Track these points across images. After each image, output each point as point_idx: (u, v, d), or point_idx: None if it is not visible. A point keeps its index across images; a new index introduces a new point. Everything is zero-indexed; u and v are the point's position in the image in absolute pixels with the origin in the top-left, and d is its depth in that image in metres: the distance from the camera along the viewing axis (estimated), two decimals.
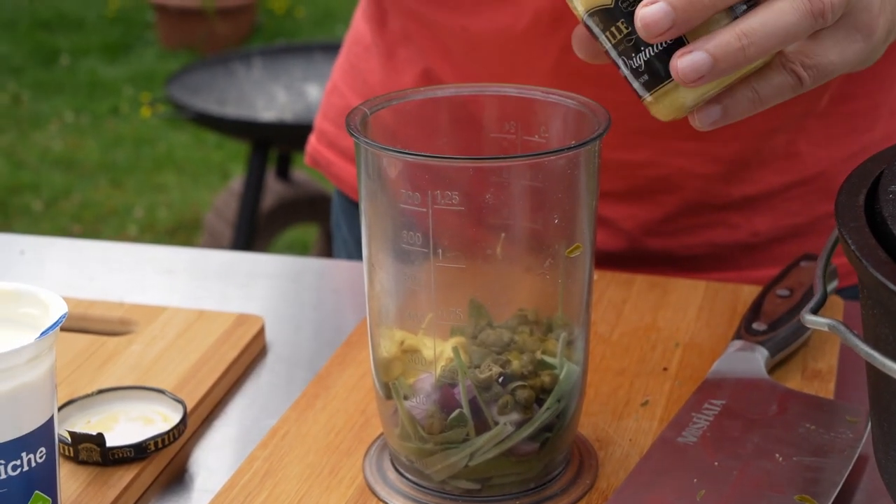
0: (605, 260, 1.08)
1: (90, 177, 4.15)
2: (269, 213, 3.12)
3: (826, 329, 0.66)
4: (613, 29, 0.73)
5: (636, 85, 0.75)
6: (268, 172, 3.07)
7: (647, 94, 0.75)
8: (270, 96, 3.12)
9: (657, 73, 0.74)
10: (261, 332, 0.97)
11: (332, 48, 3.31)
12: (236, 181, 3.28)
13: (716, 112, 0.74)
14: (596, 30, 0.75)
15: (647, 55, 0.73)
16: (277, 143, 3.03)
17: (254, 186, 2.96)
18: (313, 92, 3.15)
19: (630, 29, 0.73)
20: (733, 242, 1.07)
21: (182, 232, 3.81)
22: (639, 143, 1.02)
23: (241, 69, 3.21)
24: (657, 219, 1.06)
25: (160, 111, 3.57)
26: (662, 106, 0.75)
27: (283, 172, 3.23)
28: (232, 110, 3.00)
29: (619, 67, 0.75)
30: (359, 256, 1.20)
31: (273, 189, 3.16)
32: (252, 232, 2.98)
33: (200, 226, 3.61)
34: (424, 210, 0.73)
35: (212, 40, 5.06)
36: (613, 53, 0.75)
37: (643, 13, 0.70)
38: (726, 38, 0.71)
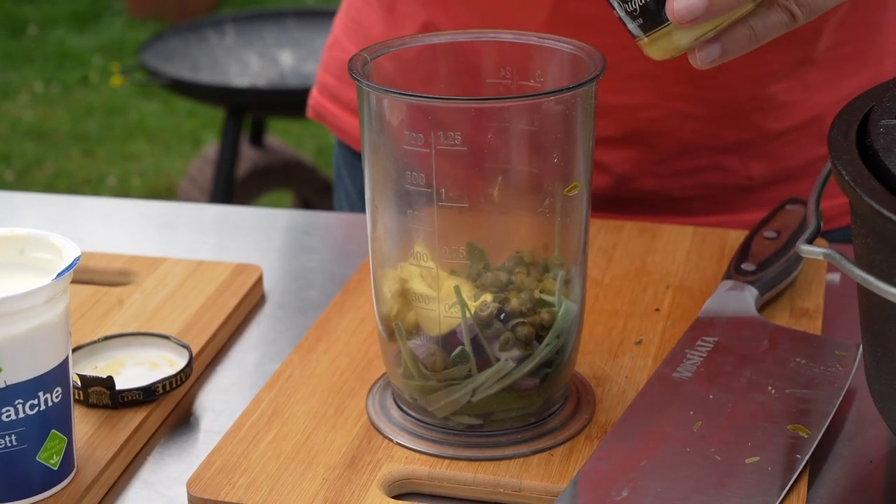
0: (599, 202, 1.10)
1: (62, 147, 4.14)
2: (243, 179, 3.13)
3: (821, 258, 0.69)
4: None
5: (631, 27, 0.77)
6: (241, 139, 3.07)
7: (643, 36, 0.77)
8: (244, 63, 3.12)
9: (653, 16, 0.76)
10: (259, 280, 0.99)
11: (305, 15, 3.31)
12: (210, 148, 3.28)
13: (715, 50, 0.77)
14: None
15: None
16: (252, 109, 3.04)
17: (229, 152, 2.96)
18: (286, 58, 3.15)
19: None
20: (728, 185, 1.09)
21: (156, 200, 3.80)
22: (635, 87, 1.04)
23: (213, 36, 3.21)
24: (652, 160, 1.08)
25: (135, 78, 3.56)
26: (657, 47, 0.77)
27: (257, 139, 3.23)
28: (206, 77, 3.00)
29: (613, 8, 0.77)
30: (361, 208, 1.21)
31: (247, 156, 3.17)
32: (227, 198, 2.99)
33: (174, 194, 3.61)
34: (427, 151, 0.75)
35: (179, 9, 5.04)
36: None
37: None
38: None
